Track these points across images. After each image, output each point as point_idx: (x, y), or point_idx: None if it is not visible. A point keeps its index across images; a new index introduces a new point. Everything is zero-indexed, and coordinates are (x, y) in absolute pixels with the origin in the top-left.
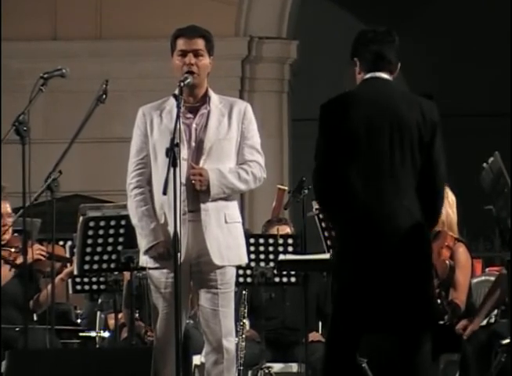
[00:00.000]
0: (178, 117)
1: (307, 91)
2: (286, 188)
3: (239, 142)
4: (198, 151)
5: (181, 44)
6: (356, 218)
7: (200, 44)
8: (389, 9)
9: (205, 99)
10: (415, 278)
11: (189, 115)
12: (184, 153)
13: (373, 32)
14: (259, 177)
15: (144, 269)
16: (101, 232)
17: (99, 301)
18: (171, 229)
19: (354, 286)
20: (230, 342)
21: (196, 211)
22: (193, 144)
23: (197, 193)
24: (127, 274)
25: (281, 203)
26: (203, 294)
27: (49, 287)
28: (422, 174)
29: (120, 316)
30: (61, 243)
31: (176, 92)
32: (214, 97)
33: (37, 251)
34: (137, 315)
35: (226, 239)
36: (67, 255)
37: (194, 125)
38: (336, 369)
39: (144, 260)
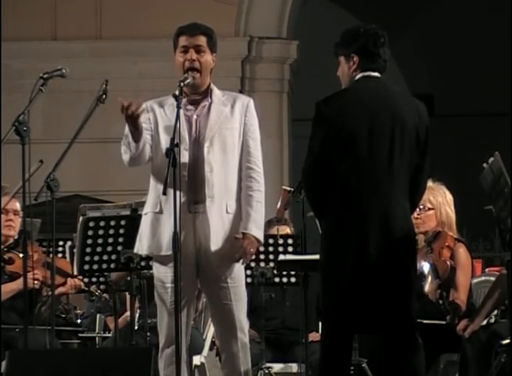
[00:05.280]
0: (177, 117)
1: (307, 91)
2: (292, 189)
3: (242, 134)
4: (199, 141)
5: (183, 40)
6: (351, 215)
7: (201, 40)
8: (389, 9)
9: (207, 93)
10: (403, 279)
11: (190, 107)
12: (185, 143)
13: (373, 31)
14: (263, 183)
15: (144, 269)
16: (101, 232)
17: (97, 304)
18: (171, 225)
19: (344, 285)
20: (245, 336)
21: (200, 202)
22: (194, 135)
23: (201, 184)
24: None
25: (286, 204)
26: (213, 290)
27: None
28: (413, 173)
29: (120, 320)
30: (61, 243)
31: (176, 92)
32: (217, 91)
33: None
34: (137, 315)
35: (226, 229)
36: (67, 257)
37: (195, 117)
38: (331, 368)
39: (142, 247)
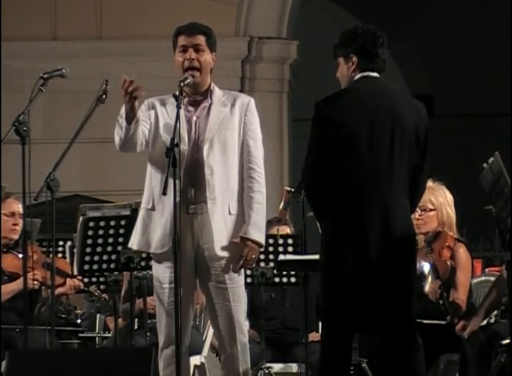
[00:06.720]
0: (177, 117)
1: (307, 91)
2: (293, 189)
3: (241, 133)
4: (199, 143)
5: (181, 40)
6: (351, 215)
7: (200, 39)
8: (389, 9)
9: (207, 93)
10: (403, 279)
11: (191, 108)
12: (185, 143)
13: (371, 31)
14: (264, 183)
15: (144, 268)
16: (101, 232)
17: (97, 304)
18: (162, 223)
19: (344, 285)
20: (245, 336)
21: (199, 203)
22: (194, 136)
23: (200, 186)
24: (126, 274)
25: (287, 204)
26: (212, 290)
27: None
28: (413, 173)
29: (120, 321)
30: (61, 243)
31: (177, 92)
32: (217, 91)
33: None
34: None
35: (229, 230)
36: (67, 257)
37: (195, 118)
38: (331, 368)
39: (133, 242)
